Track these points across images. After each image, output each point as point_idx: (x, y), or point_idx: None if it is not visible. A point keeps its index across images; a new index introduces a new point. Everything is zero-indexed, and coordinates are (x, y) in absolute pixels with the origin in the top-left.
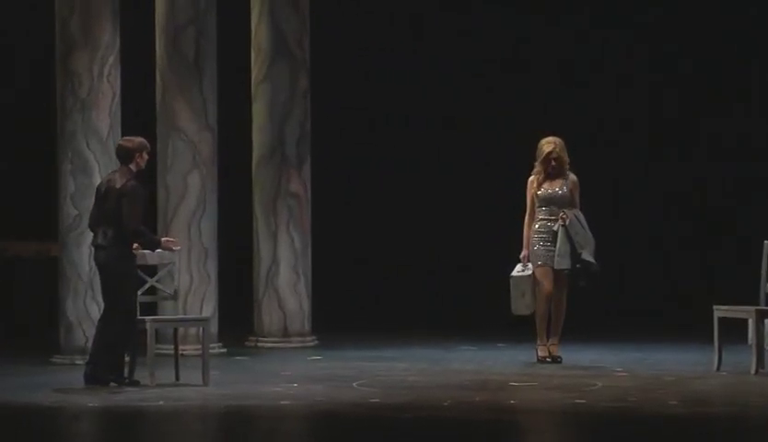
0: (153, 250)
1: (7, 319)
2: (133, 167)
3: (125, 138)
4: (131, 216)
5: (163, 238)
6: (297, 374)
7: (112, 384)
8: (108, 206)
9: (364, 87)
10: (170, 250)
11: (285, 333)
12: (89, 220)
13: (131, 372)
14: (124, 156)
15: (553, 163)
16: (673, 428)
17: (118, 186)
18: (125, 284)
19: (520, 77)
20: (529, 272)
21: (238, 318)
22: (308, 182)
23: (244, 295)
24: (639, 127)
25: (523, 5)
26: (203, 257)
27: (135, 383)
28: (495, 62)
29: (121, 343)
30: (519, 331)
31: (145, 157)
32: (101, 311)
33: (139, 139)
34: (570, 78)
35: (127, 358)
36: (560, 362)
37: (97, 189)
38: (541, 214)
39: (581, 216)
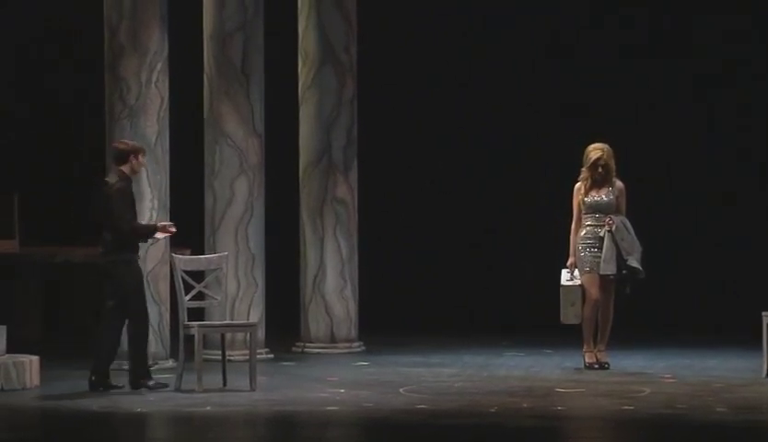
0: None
1: (55, 322)
2: (126, 169)
3: (120, 140)
4: (122, 218)
5: (159, 223)
6: (344, 380)
7: (102, 389)
8: (103, 211)
9: (410, 93)
10: (167, 232)
11: (332, 339)
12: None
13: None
14: (117, 157)
15: (600, 170)
16: (722, 435)
17: (108, 189)
18: (128, 288)
19: (570, 81)
20: (578, 281)
21: (284, 323)
22: (354, 188)
23: (291, 300)
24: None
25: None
26: (251, 263)
27: (109, 387)
28: (547, 64)
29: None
30: (566, 337)
31: (141, 160)
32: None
33: (134, 142)
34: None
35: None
36: (607, 368)
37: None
38: (588, 220)
39: (627, 223)
